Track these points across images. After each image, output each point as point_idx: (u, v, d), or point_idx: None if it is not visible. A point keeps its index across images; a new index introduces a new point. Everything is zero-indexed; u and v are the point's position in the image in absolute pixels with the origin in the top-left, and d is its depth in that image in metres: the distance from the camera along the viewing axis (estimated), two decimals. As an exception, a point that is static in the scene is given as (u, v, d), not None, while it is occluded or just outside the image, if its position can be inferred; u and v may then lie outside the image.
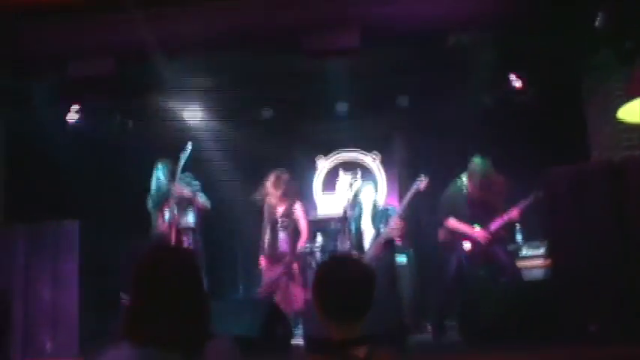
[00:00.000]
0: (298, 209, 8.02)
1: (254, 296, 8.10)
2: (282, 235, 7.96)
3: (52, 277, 7.18)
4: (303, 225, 8.01)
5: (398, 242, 7.69)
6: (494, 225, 7.20)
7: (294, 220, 7.99)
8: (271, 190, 7.96)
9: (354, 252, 7.59)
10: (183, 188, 7.80)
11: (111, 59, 6.87)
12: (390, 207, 8.00)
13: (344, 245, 7.75)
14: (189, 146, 7.76)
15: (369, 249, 7.58)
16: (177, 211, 7.79)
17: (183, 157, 7.70)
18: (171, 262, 2.48)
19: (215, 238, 8.40)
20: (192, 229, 7.86)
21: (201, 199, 7.86)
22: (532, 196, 7.04)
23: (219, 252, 8.39)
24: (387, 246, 7.58)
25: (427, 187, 7.47)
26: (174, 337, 2.35)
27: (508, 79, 8.41)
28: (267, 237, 8.05)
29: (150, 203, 7.98)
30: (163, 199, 7.90)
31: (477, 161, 7.31)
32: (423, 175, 7.51)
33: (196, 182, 7.93)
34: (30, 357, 6.76)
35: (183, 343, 2.35)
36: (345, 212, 7.70)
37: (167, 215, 7.81)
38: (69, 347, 6.98)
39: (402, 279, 8.05)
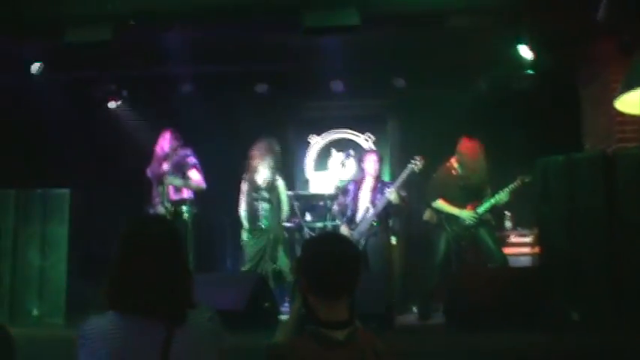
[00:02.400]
0: (280, 181, 7.98)
1: (241, 271, 8.10)
2: (263, 209, 7.91)
3: (41, 243, 7.18)
4: (284, 199, 7.98)
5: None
6: (482, 206, 7.25)
7: (277, 192, 7.96)
8: (260, 157, 7.90)
9: (346, 226, 7.62)
10: (174, 179, 7.78)
11: (107, 26, 6.83)
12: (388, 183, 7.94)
13: (338, 218, 7.77)
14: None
15: (361, 223, 7.56)
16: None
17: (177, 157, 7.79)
18: (154, 232, 2.49)
19: (205, 212, 8.40)
20: (188, 203, 7.83)
21: (195, 177, 7.82)
22: (518, 180, 7.08)
23: (209, 227, 8.39)
24: (383, 215, 7.58)
25: (424, 166, 7.45)
26: (157, 306, 2.37)
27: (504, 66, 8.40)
28: (245, 209, 7.99)
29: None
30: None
31: (466, 142, 7.38)
32: (418, 156, 7.48)
33: (194, 160, 7.89)
34: (16, 323, 6.76)
35: (165, 311, 2.38)
36: (336, 190, 7.70)
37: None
38: (56, 314, 6.99)
39: (391, 259, 8.06)
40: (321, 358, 2.42)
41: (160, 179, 7.81)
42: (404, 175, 7.48)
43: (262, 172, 7.88)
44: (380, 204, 7.49)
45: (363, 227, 7.53)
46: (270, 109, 9.67)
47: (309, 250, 2.67)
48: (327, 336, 2.45)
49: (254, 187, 7.89)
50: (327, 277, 2.53)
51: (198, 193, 7.87)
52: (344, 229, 7.60)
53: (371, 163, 7.75)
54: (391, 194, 7.39)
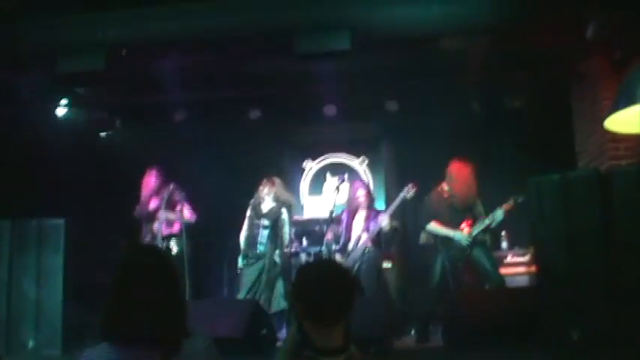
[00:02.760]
0: (285, 213, 8.01)
1: (238, 297, 8.07)
2: (262, 236, 7.92)
3: (36, 273, 7.15)
4: (286, 231, 8.02)
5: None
6: (476, 227, 7.25)
7: (279, 222, 7.98)
8: (268, 187, 8.00)
9: (339, 253, 7.62)
10: (169, 214, 7.93)
11: (100, 55, 6.85)
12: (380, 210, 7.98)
13: (330, 246, 7.76)
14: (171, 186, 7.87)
15: (354, 251, 7.57)
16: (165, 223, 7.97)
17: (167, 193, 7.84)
18: (149, 264, 2.50)
19: (201, 239, 8.39)
20: (178, 236, 7.92)
21: (186, 212, 7.93)
22: (511, 200, 7.09)
23: (205, 253, 8.38)
24: (377, 241, 7.57)
25: (416, 193, 7.48)
26: (152, 336, 2.37)
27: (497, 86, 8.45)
28: (245, 235, 8.04)
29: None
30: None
31: (455, 163, 7.42)
32: (410, 183, 7.50)
33: (183, 194, 7.93)
34: (12, 354, 6.72)
35: (160, 341, 2.37)
36: (331, 215, 7.69)
37: (155, 226, 7.92)
38: (52, 343, 6.95)
39: (386, 282, 8.06)
40: None
41: (149, 217, 8.03)
42: (396, 202, 7.54)
43: (267, 201, 7.97)
44: (372, 230, 7.52)
45: (355, 254, 7.55)
46: (263, 135, 9.69)
47: (303, 276, 2.67)
48: None
49: (257, 214, 7.96)
50: (322, 304, 2.54)
51: (189, 225, 7.92)
52: (337, 258, 7.60)
53: (361, 194, 7.82)
54: (383, 221, 7.45)
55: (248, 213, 8.08)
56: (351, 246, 7.65)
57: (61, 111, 8.45)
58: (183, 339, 2.44)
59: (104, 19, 6.68)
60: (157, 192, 8.03)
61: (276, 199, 7.98)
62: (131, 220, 8.40)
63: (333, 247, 7.84)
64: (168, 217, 7.94)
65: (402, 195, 7.47)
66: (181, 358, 2.39)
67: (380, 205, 8.89)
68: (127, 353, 2.35)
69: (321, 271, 2.65)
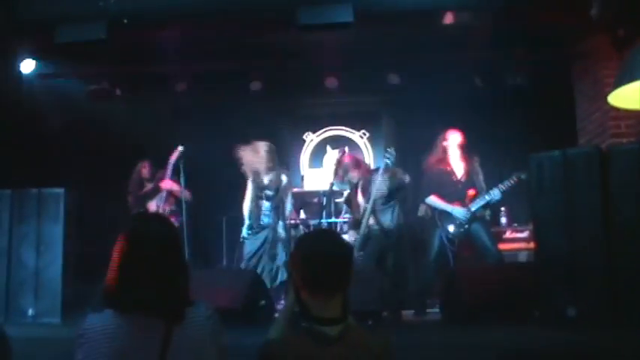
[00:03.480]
0: (285, 180, 8.01)
1: (237, 267, 8.11)
2: (265, 206, 7.95)
3: (36, 242, 7.17)
4: (288, 198, 8.02)
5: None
6: (475, 204, 7.25)
7: (281, 191, 7.98)
8: (260, 159, 7.94)
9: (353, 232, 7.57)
10: (173, 184, 8.21)
11: (101, 24, 6.81)
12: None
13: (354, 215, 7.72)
14: (180, 148, 8.08)
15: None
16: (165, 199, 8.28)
17: (174, 159, 8.13)
18: (154, 232, 2.51)
19: (200, 210, 8.42)
20: (177, 212, 8.15)
21: (184, 194, 8.11)
22: (514, 177, 7.08)
23: (205, 224, 8.40)
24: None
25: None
26: (155, 304, 2.38)
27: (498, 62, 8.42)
28: (249, 207, 8.04)
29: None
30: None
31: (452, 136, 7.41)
32: (389, 149, 7.39)
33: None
34: (11, 322, 6.76)
35: (164, 309, 2.39)
36: (331, 187, 7.69)
37: (154, 203, 8.14)
38: (52, 312, 6.99)
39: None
40: (314, 354, 2.42)
41: (142, 202, 8.28)
42: (380, 170, 7.39)
43: (263, 172, 7.96)
44: (371, 201, 7.39)
45: (362, 224, 7.47)
46: (264, 107, 9.67)
47: (301, 247, 2.67)
48: (320, 332, 2.46)
49: (259, 186, 7.97)
50: (320, 275, 2.54)
51: (187, 202, 8.11)
52: (351, 234, 7.55)
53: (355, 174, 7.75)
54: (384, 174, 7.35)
55: (249, 185, 8.06)
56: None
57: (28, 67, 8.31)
58: (187, 307, 2.45)
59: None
60: (150, 178, 8.37)
61: (273, 168, 7.96)
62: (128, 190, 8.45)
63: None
64: (173, 188, 8.24)
65: (385, 161, 7.32)
66: (184, 326, 2.40)
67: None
68: (130, 320, 2.37)
69: (319, 242, 2.65)
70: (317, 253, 2.57)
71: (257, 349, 2.48)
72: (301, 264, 2.59)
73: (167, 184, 8.24)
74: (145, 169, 8.52)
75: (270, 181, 7.96)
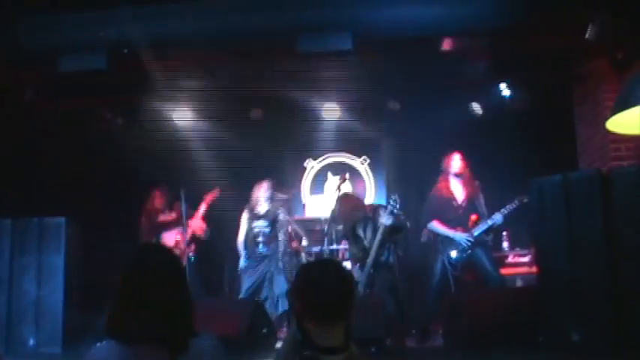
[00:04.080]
0: (282, 214, 8.04)
1: (239, 297, 8.09)
2: (263, 235, 7.96)
3: (37, 272, 7.16)
4: (297, 228, 8.09)
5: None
6: (477, 229, 7.24)
7: (277, 222, 8.01)
8: (259, 193, 8.06)
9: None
10: (203, 224, 8.40)
11: (101, 54, 6.85)
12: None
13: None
14: (217, 191, 8.45)
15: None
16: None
17: (210, 200, 8.43)
18: (159, 263, 2.51)
19: (202, 240, 8.42)
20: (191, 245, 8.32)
21: (207, 233, 8.41)
22: (516, 201, 7.07)
23: (207, 253, 8.38)
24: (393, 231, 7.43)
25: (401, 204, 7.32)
26: (159, 334, 2.37)
27: (499, 87, 8.44)
28: (243, 237, 8.11)
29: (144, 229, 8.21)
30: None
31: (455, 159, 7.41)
32: (394, 196, 7.31)
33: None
34: (13, 353, 6.73)
35: (168, 339, 2.38)
36: (332, 214, 7.67)
37: (172, 234, 8.14)
38: (53, 342, 6.96)
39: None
40: None
41: (156, 231, 8.25)
42: (390, 220, 7.29)
43: (263, 203, 8.06)
44: (376, 241, 7.32)
45: (368, 262, 7.41)
46: (265, 135, 9.68)
47: (303, 276, 2.68)
48: None
49: (254, 216, 8.00)
50: (322, 305, 2.54)
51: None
52: (356, 270, 7.51)
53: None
54: (387, 221, 7.27)
55: (244, 216, 8.15)
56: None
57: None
58: (191, 338, 2.44)
59: (106, 19, 6.68)
60: (165, 207, 8.18)
61: (272, 199, 8.00)
62: (132, 220, 8.42)
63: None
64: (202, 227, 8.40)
65: (389, 209, 7.24)
66: (189, 357, 2.39)
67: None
68: (135, 351, 2.35)
69: (322, 271, 2.65)
70: (319, 283, 2.57)
71: None
72: (303, 294, 2.58)
73: (197, 223, 8.28)
74: (159, 199, 8.49)
75: (267, 211, 8.04)
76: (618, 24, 6.48)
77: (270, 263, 7.88)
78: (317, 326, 2.52)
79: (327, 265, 2.97)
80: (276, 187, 8.24)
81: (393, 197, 7.17)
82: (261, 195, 8.09)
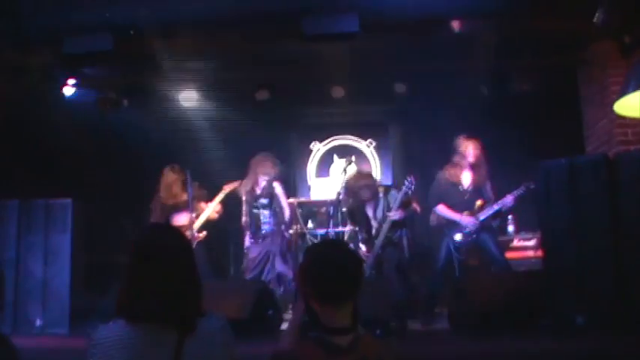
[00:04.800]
0: (277, 187, 8.05)
1: (244, 278, 8.12)
2: (264, 215, 7.99)
3: (44, 253, 7.19)
4: (284, 202, 8.07)
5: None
6: (483, 213, 7.23)
7: (275, 198, 8.04)
8: (258, 167, 8.04)
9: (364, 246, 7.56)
10: (220, 210, 8.26)
11: (108, 35, 6.84)
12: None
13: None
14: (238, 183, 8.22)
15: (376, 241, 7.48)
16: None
17: (228, 189, 8.22)
18: (166, 242, 2.52)
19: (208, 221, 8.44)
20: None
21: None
22: (523, 186, 7.06)
23: (211, 233, 8.40)
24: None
25: (417, 184, 7.33)
26: (168, 314, 2.38)
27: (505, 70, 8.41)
28: (246, 218, 8.11)
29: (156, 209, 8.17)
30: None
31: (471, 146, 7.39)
32: (411, 177, 7.33)
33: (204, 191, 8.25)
34: (20, 333, 6.76)
35: (176, 319, 2.39)
36: (338, 196, 7.67)
37: (184, 216, 8.02)
38: (60, 323, 6.99)
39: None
40: None
41: (169, 212, 8.15)
42: (399, 198, 7.35)
43: (260, 182, 8.03)
44: (385, 226, 7.38)
45: (377, 244, 7.44)
46: (271, 117, 9.67)
47: (310, 257, 2.68)
48: (330, 342, 2.46)
49: (253, 196, 8.01)
50: (330, 285, 2.54)
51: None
52: (362, 251, 7.54)
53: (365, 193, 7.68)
54: (394, 216, 7.31)
55: (244, 197, 8.14)
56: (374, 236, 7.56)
57: (68, 91, 8.44)
58: (199, 318, 2.46)
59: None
60: (178, 188, 8.14)
61: (269, 176, 8.03)
62: (137, 202, 8.44)
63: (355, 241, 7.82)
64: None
65: (404, 189, 7.29)
66: (196, 337, 2.40)
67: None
68: (143, 331, 2.37)
69: (329, 252, 2.65)
70: (326, 263, 2.58)
71: (267, 359, 2.48)
72: (310, 275, 2.59)
73: (215, 208, 8.19)
74: (171, 180, 8.23)
75: (263, 189, 8.02)
76: (625, 7, 6.45)
77: (272, 242, 7.89)
78: (324, 307, 2.53)
79: (335, 245, 2.98)
80: (274, 162, 8.16)
81: (409, 178, 7.19)
82: (259, 173, 8.05)
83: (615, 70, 7.48)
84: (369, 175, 8.08)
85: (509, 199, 7.13)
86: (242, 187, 8.11)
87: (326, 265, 2.57)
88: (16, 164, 8.13)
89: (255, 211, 8.07)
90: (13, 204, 7.34)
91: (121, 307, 2.42)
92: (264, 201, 8.04)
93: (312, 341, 2.49)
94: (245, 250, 8.15)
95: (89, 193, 8.19)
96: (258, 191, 8.06)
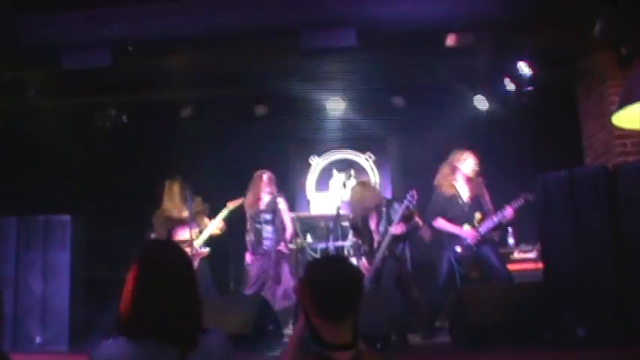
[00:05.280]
0: (282, 203, 8.05)
1: (244, 293, 8.10)
2: (267, 231, 7.98)
3: (43, 269, 7.17)
4: (287, 219, 8.06)
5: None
6: (484, 226, 7.22)
7: (279, 214, 8.03)
8: (258, 185, 8.06)
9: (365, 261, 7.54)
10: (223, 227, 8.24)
11: (106, 51, 6.85)
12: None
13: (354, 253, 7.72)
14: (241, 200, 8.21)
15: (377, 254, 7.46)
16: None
17: (232, 206, 8.21)
18: (167, 259, 2.51)
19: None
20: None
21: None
22: (521, 198, 7.05)
23: (212, 250, 8.40)
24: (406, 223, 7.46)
25: (417, 201, 7.32)
26: (169, 331, 2.37)
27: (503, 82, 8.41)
28: (251, 233, 8.11)
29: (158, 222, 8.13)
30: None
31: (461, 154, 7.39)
32: (412, 191, 7.34)
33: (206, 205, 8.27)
34: (19, 351, 6.74)
35: (178, 336, 2.38)
36: (337, 210, 7.67)
37: (185, 230, 7.99)
38: (59, 340, 6.97)
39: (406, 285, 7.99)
40: None
41: (171, 226, 8.15)
42: (400, 212, 7.35)
43: (263, 197, 8.06)
44: (386, 240, 7.37)
45: (376, 261, 7.43)
46: (269, 131, 9.69)
47: (312, 272, 2.68)
48: (331, 358, 2.45)
49: (256, 211, 8.07)
50: (331, 301, 2.55)
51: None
52: (363, 264, 7.53)
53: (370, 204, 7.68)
54: (396, 230, 7.30)
55: (247, 213, 8.18)
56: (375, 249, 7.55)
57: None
58: (200, 334, 2.45)
59: (110, 16, 6.69)
60: (180, 202, 8.14)
61: (270, 191, 8.04)
62: (137, 217, 8.43)
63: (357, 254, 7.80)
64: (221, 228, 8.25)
65: (405, 203, 7.30)
66: (198, 354, 2.39)
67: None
68: (144, 348, 2.36)
69: (332, 268, 2.66)
70: (327, 280, 2.58)
71: None
72: (311, 291, 2.59)
73: (218, 225, 8.18)
74: (173, 194, 8.26)
75: (267, 204, 8.03)
76: (623, 19, 6.47)
77: (274, 256, 7.88)
78: (325, 322, 2.53)
79: (336, 261, 2.99)
80: (274, 178, 8.20)
81: (410, 192, 7.19)
82: (261, 188, 8.07)
83: (614, 82, 7.50)
84: (373, 187, 8.12)
85: (508, 211, 7.12)
86: (245, 203, 8.11)
87: (328, 282, 2.57)
88: (14, 180, 8.13)
89: (257, 226, 8.08)
90: (11, 220, 7.33)
91: (121, 324, 2.41)
92: (267, 216, 8.04)
93: (313, 356, 2.48)
94: (246, 267, 8.15)
95: (88, 209, 8.18)
96: (262, 207, 8.07)
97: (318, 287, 2.58)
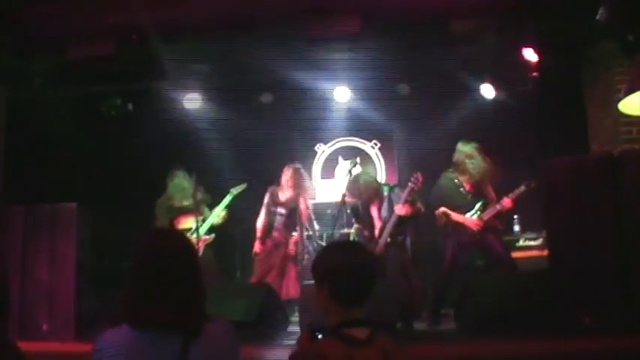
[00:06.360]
0: (303, 202, 8.07)
1: (250, 282, 8.11)
2: (279, 222, 7.99)
3: (50, 258, 7.17)
4: (303, 219, 8.08)
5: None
6: (487, 214, 7.22)
7: (297, 210, 8.05)
8: (287, 181, 8.08)
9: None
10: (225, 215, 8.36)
11: (111, 40, 6.85)
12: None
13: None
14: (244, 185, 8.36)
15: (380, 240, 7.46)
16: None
17: (236, 192, 8.35)
18: (171, 247, 2.51)
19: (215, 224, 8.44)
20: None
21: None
22: (523, 185, 7.05)
23: (218, 238, 8.41)
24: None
25: (423, 183, 7.30)
26: (173, 320, 2.38)
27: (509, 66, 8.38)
28: (262, 221, 8.09)
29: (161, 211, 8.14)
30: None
31: (461, 146, 7.36)
32: (417, 173, 7.33)
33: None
34: (26, 338, 6.75)
35: (182, 325, 2.39)
36: (343, 198, 7.66)
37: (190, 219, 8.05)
38: (66, 329, 6.98)
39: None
40: (347, 355, 2.41)
41: (175, 215, 8.26)
42: (405, 193, 7.33)
43: (286, 190, 8.08)
44: (390, 223, 7.36)
45: (380, 243, 7.43)
46: (275, 119, 9.68)
47: (328, 257, 2.68)
48: (348, 335, 2.47)
49: (274, 202, 8.08)
50: (348, 286, 2.55)
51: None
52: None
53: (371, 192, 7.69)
54: (400, 211, 7.29)
55: (265, 200, 8.18)
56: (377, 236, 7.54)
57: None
58: (204, 323, 2.45)
59: (114, 4, 6.68)
60: (187, 191, 8.19)
61: (295, 187, 8.02)
62: (142, 205, 8.44)
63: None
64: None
65: (410, 186, 7.28)
66: (201, 342, 2.40)
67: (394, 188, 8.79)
68: (148, 336, 2.36)
69: (348, 253, 2.65)
70: (343, 264, 2.58)
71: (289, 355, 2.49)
72: (327, 276, 2.60)
73: (220, 214, 8.27)
74: (183, 178, 8.34)
75: (288, 198, 8.06)
76: (628, 5, 6.44)
77: (282, 248, 7.89)
78: (341, 307, 2.55)
79: (352, 246, 3.00)
80: (304, 173, 8.25)
81: (414, 175, 7.18)
82: (285, 181, 8.09)
83: (619, 69, 7.46)
84: (373, 177, 8.11)
85: (506, 202, 7.13)
86: (270, 188, 8.15)
87: (343, 267, 2.57)
88: (20, 169, 8.14)
89: (270, 216, 8.12)
90: (17, 209, 7.33)
91: (125, 312, 2.42)
92: (282, 210, 8.10)
93: (332, 335, 2.49)
94: (253, 255, 8.16)
95: (94, 197, 8.19)
96: (282, 199, 8.09)
97: (333, 272, 2.58)
